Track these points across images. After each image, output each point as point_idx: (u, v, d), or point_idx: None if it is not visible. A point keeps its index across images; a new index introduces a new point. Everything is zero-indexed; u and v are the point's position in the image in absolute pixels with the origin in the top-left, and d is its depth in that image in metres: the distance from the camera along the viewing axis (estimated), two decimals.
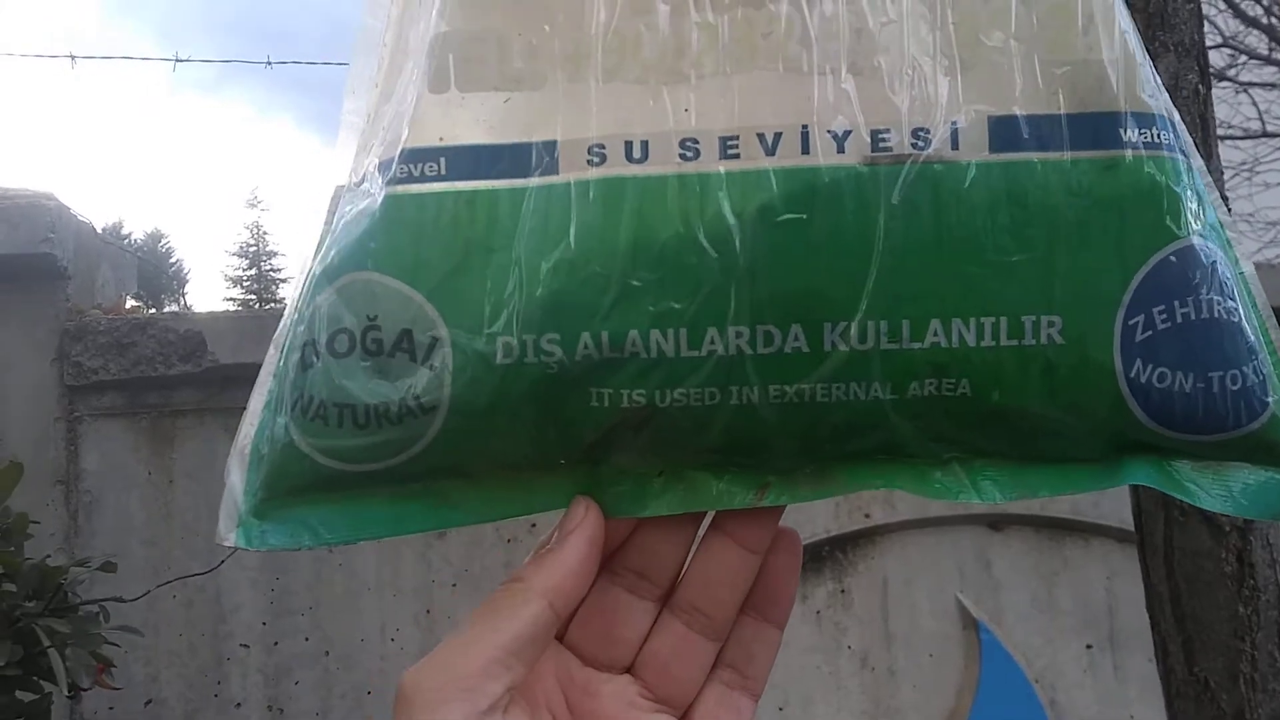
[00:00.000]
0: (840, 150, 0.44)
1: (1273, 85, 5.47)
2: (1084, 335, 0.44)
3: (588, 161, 0.44)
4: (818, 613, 2.69)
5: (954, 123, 0.44)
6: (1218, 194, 0.49)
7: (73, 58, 3.33)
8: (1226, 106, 5.41)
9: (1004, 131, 0.44)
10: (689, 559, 0.48)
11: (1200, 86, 1.31)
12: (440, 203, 0.45)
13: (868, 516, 2.65)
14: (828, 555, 2.70)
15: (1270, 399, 0.46)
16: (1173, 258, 0.44)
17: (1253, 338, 0.46)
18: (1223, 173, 1.32)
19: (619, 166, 0.44)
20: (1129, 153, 0.44)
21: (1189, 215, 0.45)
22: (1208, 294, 0.45)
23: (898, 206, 0.43)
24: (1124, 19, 0.46)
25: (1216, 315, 0.45)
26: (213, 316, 2.68)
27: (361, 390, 0.45)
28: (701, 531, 0.49)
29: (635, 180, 0.44)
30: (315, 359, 0.46)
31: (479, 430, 0.45)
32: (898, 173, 0.44)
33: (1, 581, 1.59)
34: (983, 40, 0.45)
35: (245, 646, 2.58)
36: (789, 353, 0.44)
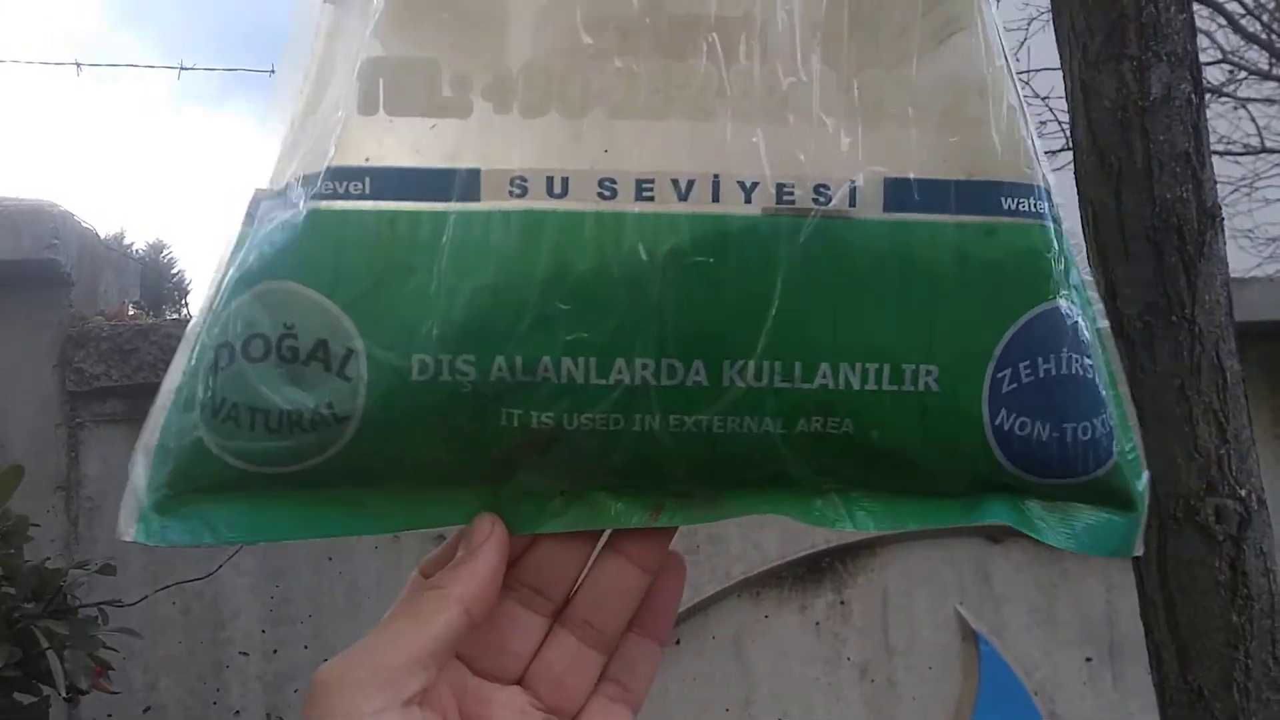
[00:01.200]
0: (748, 200, 0.47)
1: (1271, 101, 5.48)
2: (957, 384, 0.48)
3: (510, 192, 0.47)
4: (817, 624, 2.69)
5: (853, 181, 0.47)
6: (1081, 255, 0.52)
7: (78, 65, 3.34)
8: (1226, 122, 5.43)
9: (897, 192, 0.48)
10: (583, 575, 0.51)
11: (1193, 96, 1.32)
12: (363, 220, 0.47)
13: None
14: (827, 567, 2.70)
15: (1115, 450, 0.50)
16: (1040, 318, 0.48)
17: (1103, 392, 0.50)
18: (1216, 183, 1.33)
19: (540, 200, 0.47)
20: (1007, 220, 0.48)
21: (1057, 279, 0.49)
22: (1068, 352, 0.49)
23: (797, 256, 0.47)
24: (1012, 95, 0.49)
25: (1074, 372, 0.49)
26: None
27: (275, 395, 0.46)
28: (598, 551, 0.51)
29: (555, 214, 0.46)
30: (229, 361, 0.47)
31: (390, 442, 0.47)
32: (799, 225, 0.47)
33: (0, 584, 1.59)
34: (884, 105, 0.48)
35: (244, 654, 2.58)
36: (690, 386, 0.47)
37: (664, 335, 0.46)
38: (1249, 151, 5.48)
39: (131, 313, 2.89)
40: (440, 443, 0.47)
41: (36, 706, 1.60)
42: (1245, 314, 2.66)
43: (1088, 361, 0.50)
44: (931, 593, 2.71)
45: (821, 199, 0.47)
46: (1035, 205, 0.49)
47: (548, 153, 0.47)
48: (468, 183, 0.47)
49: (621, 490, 0.50)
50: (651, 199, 0.47)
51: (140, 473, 0.49)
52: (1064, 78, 1.42)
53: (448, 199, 0.47)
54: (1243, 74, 5.37)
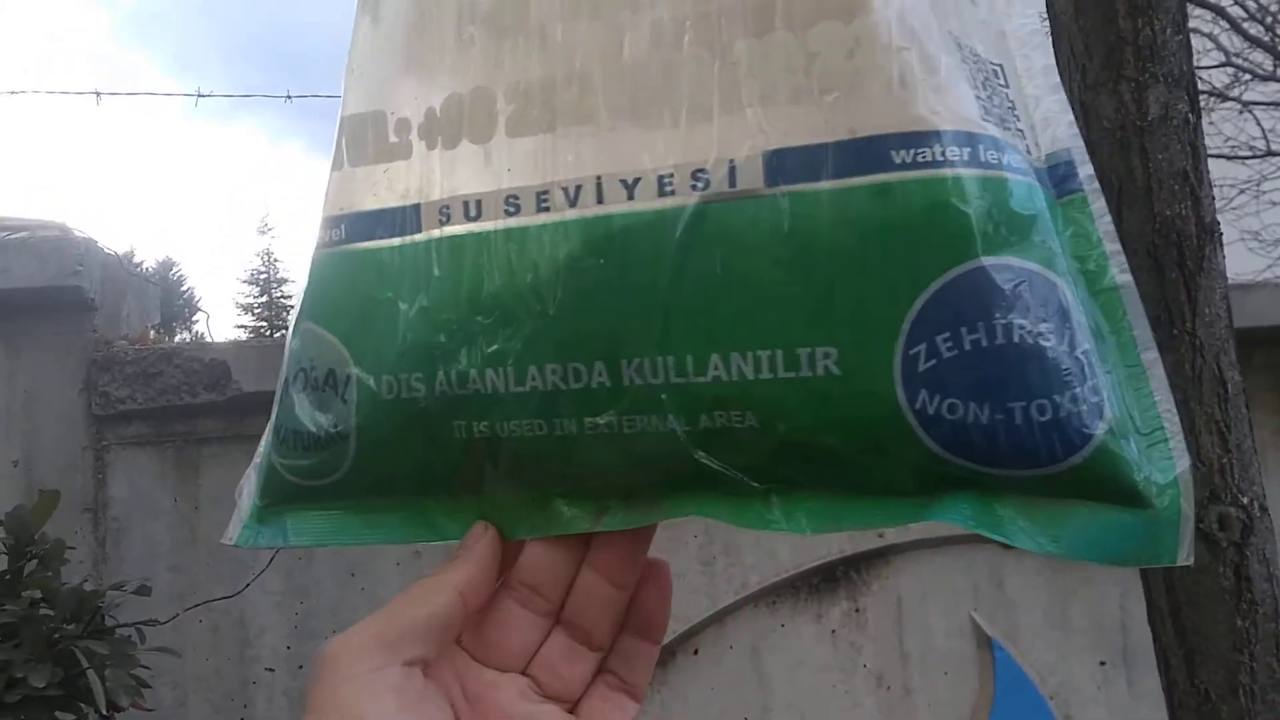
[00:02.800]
0: (630, 197, 0.47)
1: (1276, 104, 5.49)
2: (861, 366, 0.43)
3: (439, 221, 0.51)
4: (833, 632, 2.72)
5: (731, 161, 0.45)
6: (1095, 212, 0.48)
7: (98, 95, 3.39)
8: (1231, 125, 5.44)
9: (778, 165, 0.45)
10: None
11: (1190, 115, 1.36)
12: (343, 261, 0.54)
13: (881, 536, 2.68)
14: (842, 575, 2.73)
15: (1095, 430, 0.42)
16: (959, 281, 0.42)
17: (1075, 361, 0.43)
18: (1214, 200, 1.37)
19: (460, 224, 0.50)
20: (901, 174, 0.43)
21: (983, 235, 0.43)
22: (1005, 318, 0.42)
23: (680, 247, 0.45)
24: (899, 35, 0.44)
25: (1017, 340, 0.42)
26: (237, 345, 2.74)
27: (306, 418, 0.53)
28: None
29: (472, 236, 0.50)
30: (284, 393, 0.55)
31: (380, 455, 0.52)
32: (680, 214, 0.46)
33: (39, 605, 1.64)
34: (757, 75, 0.46)
35: (270, 670, 2.62)
36: (594, 388, 0.47)
37: (566, 340, 0.47)
38: (1255, 155, 5.49)
39: (152, 336, 2.94)
40: (415, 455, 0.52)
41: None
42: (1251, 320, 2.69)
43: (1043, 327, 0.43)
44: (946, 599, 2.73)
45: (700, 184, 0.45)
46: (940, 153, 0.43)
47: (465, 179, 0.51)
48: (412, 217, 0.52)
49: (574, 496, 0.51)
50: (548, 209, 0.48)
51: (249, 488, 0.57)
52: None
53: (401, 234, 0.52)
54: (1247, 77, 5.38)
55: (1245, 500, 1.30)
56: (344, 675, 0.46)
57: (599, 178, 0.47)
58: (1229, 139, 5.46)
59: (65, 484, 2.54)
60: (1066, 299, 0.44)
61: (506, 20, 0.50)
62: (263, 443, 0.57)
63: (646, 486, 0.49)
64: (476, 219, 0.50)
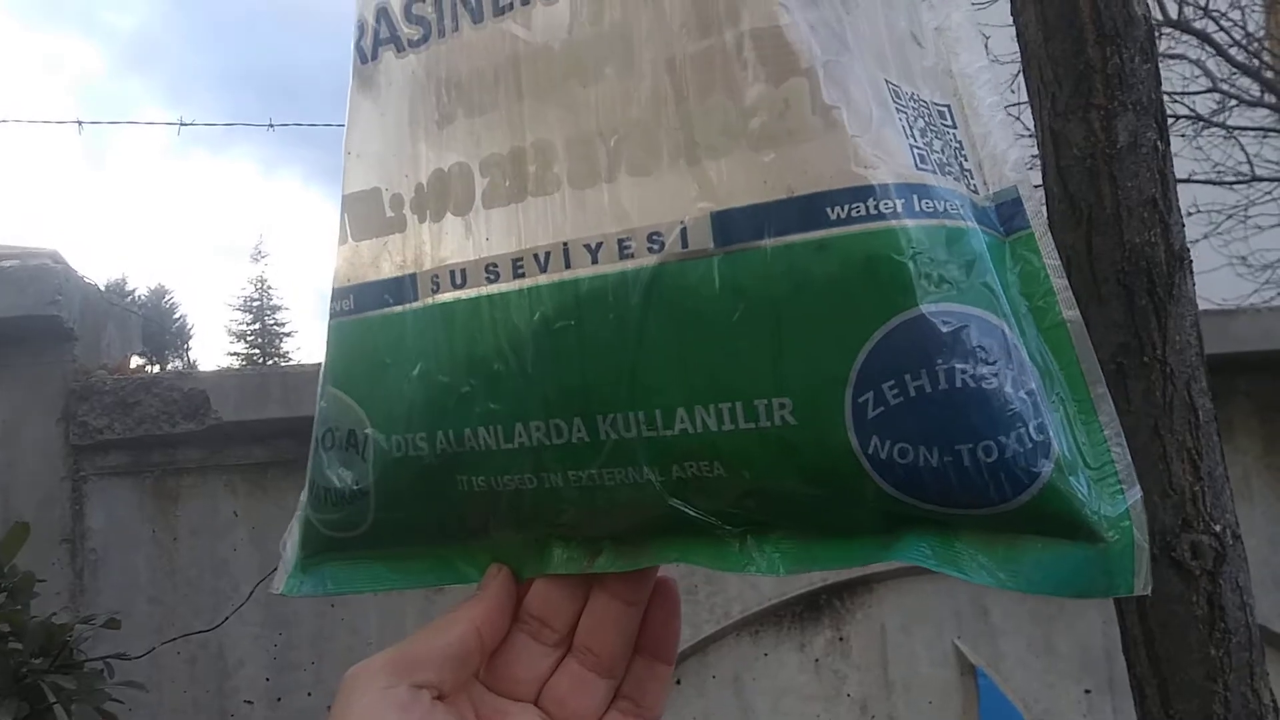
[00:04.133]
0: (594, 261, 0.50)
1: (1262, 129, 5.52)
2: (815, 415, 0.45)
3: (431, 289, 0.55)
4: (816, 661, 2.70)
5: (682, 223, 0.48)
6: (1043, 251, 0.49)
7: (80, 123, 3.40)
8: (1219, 151, 5.46)
9: (725, 225, 0.47)
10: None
11: (1159, 143, 1.36)
12: (354, 330, 0.58)
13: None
14: (825, 603, 2.71)
15: (1042, 468, 0.44)
16: (900, 330, 0.44)
17: (1021, 402, 0.44)
18: (1183, 225, 1.36)
19: (448, 292, 0.54)
20: (838, 230, 0.45)
21: (921, 283, 0.44)
22: (946, 363, 0.44)
23: (640, 306, 0.48)
24: (832, 93, 0.46)
25: (960, 385, 0.44)
26: (217, 375, 2.73)
27: (335, 476, 0.57)
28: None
29: (459, 302, 0.53)
30: (315, 451, 0.59)
31: (396, 508, 0.56)
32: (639, 275, 0.48)
33: (7, 639, 1.62)
34: (701, 139, 0.48)
35: (249, 703, 2.59)
36: (575, 443, 0.50)
37: (547, 399, 0.50)
38: (1241, 180, 5.51)
39: (135, 365, 2.93)
40: (425, 507, 0.56)
41: None
42: (1234, 345, 2.69)
43: (985, 370, 0.44)
44: (929, 627, 2.72)
45: (656, 246, 0.48)
46: (876, 207, 0.45)
47: (450, 249, 0.54)
48: (410, 286, 0.55)
49: (568, 540, 0.54)
50: (523, 275, 0.52)
51: (292, 540, 0.61)
52: (1035, 126, 1.46)
53: (402, 302, 0.56)
54: (1233, 102, 5.40)
55: (1218, 528, 1.29)
56: (359, 691, 0.50)
57: (565, 243, 0.50)
58: (1216, 165, 5.48)
59: (43, 514, 2.53)
60: (1010, 340, 0.45)
61: (477, 99, 0.54)
62: (302, 497, 0.61)
63: (633, 532, 0.52)
64: (462, 286, 0.53)
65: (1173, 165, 1.38)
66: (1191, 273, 1.36)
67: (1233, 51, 5.25)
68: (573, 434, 0.50)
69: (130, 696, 1.82)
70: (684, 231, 0.48)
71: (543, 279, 0.51)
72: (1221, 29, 5.17)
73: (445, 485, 0.54)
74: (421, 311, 0.55)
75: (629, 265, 0.49)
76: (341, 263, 0.59)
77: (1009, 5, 1.51)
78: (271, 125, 3.58)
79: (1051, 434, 0.45)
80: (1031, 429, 0.44)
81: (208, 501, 2.65)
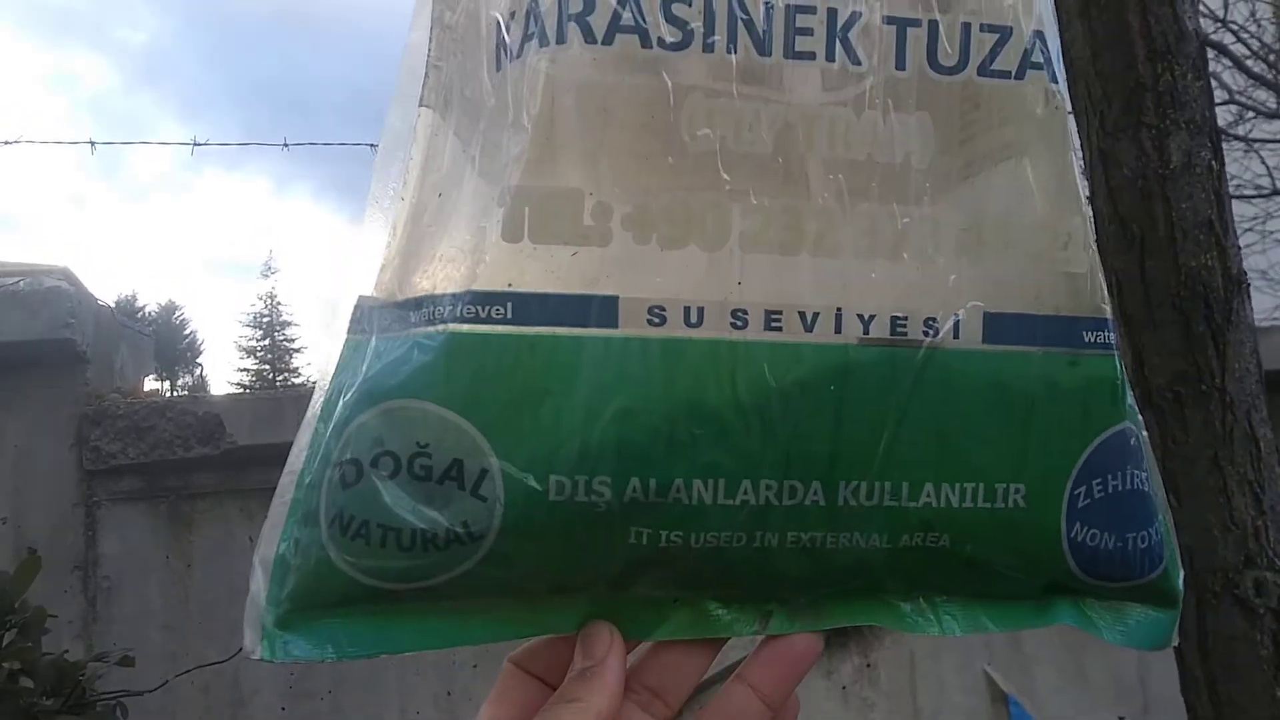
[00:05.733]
0: (866, 332, 0.50)
1: None
2: (1041, 501, 0.51)
3: (648, 321, 0.48)
4: (844, 688, 2.64)
5: (957, 315, 0.51)
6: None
7: (93, 144, 3.37)
8: (1237, 164, 5.41)
9: (995, 326, 0.51)
10: (710, 698, 0.52)
11: (1213, 163, 1.31)
12: (504, 344, 0.48)
13: None
14: (853, 630, 2.66)
15: (1165, 554, 0.54)
16: (1111, 439, 0.52)
17: (1155, 501, 0.54)
18: (1239, 247, 1.32)
19: (678, 329, 0.49)
20: (1087, 352, 0.52)
21: (1123, 403, 0.53)
22: (1130, 468, 0.53)
23: (908, 384, 0.50)
24: (1090, 234, 0.53)
25: (1135, 486, 0.53)
26: (231, 398, 2.69)
27: (408, 514, 0.47)
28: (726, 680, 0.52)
29: (692, 343, 0.49)
30: (357, 478, 0.47)
31: (522, 557, 0.48)
32: (912, 355, 0.50)
33: (19, 677, 1.57)
34: (984, 245, 0.52)
35: None
36: (808, 505, 0.49)
37: (788, 459, 0.49)
38: (1260, 194, 5.47)
39: (149, 387, 2.89)
40: (568, 557, 0.49)
41: None
42: (1265, 363, 2.63)
43: (1144, 474, 0.53)
44: (959, 654, 2.67)
45: (930, 332, 0.50)
46: (1108, 337, 0.52)
47: (684, 283, 0.49)
48: (605, 309, 0.48)
49: (732, 600, 0.52)
50: (780, 329, 0.49)
51: (260, 586, 0.49)
52: (1082, 145, 1.42)
53: (585, 324, 0.48)
54: (1251, 115, 5.36)
55: None
56: None
57: (839, 309, 0.50)
58: (1234, 178, 5.43)
59: (55, 541, 2.49)
60: (1146, 450, 0.55)
61: (746, 139, 0.51)
62: (274, 532, 0.49)
63: (806, 595, 0.52)
64: (697, 326, 0.49)
65: (1228, 186, 1.33)
66: (1249, 297, 1.31)
67: (1250, 63, 5.20)
68: (807, 496, 0.49)
69: None
70: (958, 323, 0.51)
71: (807, 338, 0.49)
72: (1240, 40, 5.12)
73: (614, 535, 0.48)
74: (626, 342, 0.48)
75: (900, 343, 0.50)
76: (503, 261, 0.49)
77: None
78: (286, 145, 3.53)
79: (1164, 527, 0.55)
80: (1159, 524, 0.54)
81: (222, 526, 2.61)
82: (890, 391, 0.50)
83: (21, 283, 2.57)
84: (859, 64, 0.52)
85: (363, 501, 0.47)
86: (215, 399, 2.65)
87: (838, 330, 0.50)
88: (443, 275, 0.50)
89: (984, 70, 0.52)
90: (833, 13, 0.52)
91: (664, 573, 0.50)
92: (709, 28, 0.51)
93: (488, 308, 0.48)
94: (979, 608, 0.54)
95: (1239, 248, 1.32)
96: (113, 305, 2.98)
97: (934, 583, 0.53)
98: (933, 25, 0.52)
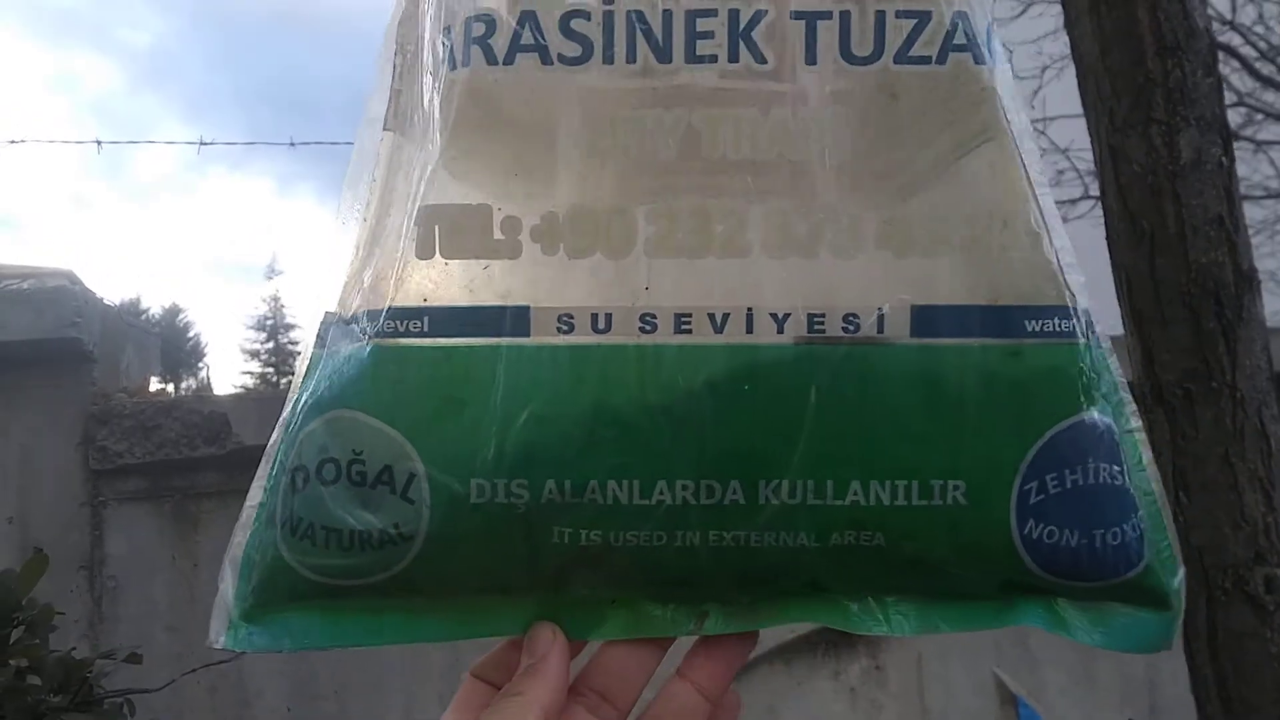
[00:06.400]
0: (780, 331, 0.50)
1: None
2: (985, 498, 0.50)
3: (558, 329, 0.50)
4: (852, 690, 2.64)
5: (880, 309, 0.50)
6: (1115, 359, 0.53)
7: (99, 143, 3.37)
8: (1245, 165, 5.40)
9: (924, 319, 0.50)
10: (654, 696, 0.53)
11: (1224, 159, 1.30)
12: (421, 356, 0.51)
13: None
14: None
15: (1147, 552, 0.52)
16: (1067, 431, 0.50)
17: (1133, 496, 0.52)
18: (1250, 244, 1.31)
19: (585, 335, 0.50)
20: (1032, 341, 0.50)
21: (1084, 392, 0.51)
22: (1095, 462, 0.50)
23: (827, 382, 0.49)
24: (1034, 219, 0.51)
25: (1101, 481, 0.51)
26: (236, 398, 2.69)
27: (347, 516, 0.50)
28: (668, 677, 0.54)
29: (599, 348, 0.50)
30: (305, 483, 0.51)
31: (451, 558, 0.51)
32: (830, 353, 0.49)
33: (26, 675, 1.57)
34: (910, 236, 0.50)
35: None
36: (728, 504, 0.49)
37: (702, 458, 0.49)
38: (1270, 195, 5.46)
39: (155, 387, 2.89)
40: (496, 558, 0.51)
41: None
42: (1276, 364, 2.63)
43: (1115, 469, 0.51)
44: (968, 656, 2.66)
45: (851, 328, 0.50)
46: (1061, 325, 0.50)
47: (592, 291, 0.50)
48: (518, 319, 0.50)
49: (669, 599, 0.52)
50: (689, 332, 0.50)
51: (229, 583, 0.53)
52: (1091, 142, 1.41)
53: (499, 335, 0.50)
54: (1260, 116, 5.35)
55: None
56: None
57: (750, 309, 0.50)
58: (1243, 179, 5.41)
59: (61, 541, 2.49)
60: (1120, 443, 0.52)
61: (649, 145, 0.52)
62: (244, 532, 0.53)
63: (744, 594, 0.52)
64: (605, 331, 0.50)
65: (1238, 182, 1.32)
66: (1260, 293, 1.30)
67: (1259, 65, 5.19)
68: (726, 495, 0.49)
69: None
70: (881, 317, 0.50)
71: (718, 339, 0.49)
72: (1249, 43, 5.11)
73: (537, 535, 0.50)
74: (538, 350, 0.50)
75: (818, 341, 0.50)
76: (417, 277, 0.52)
77: (1061, 18, 1.46)
78: (293, 143, 3.54)
79: (1147, 523, 0.52)
80: (1139, 518, 0.52)
81: (228, 527, 2.54)
82: (806, 389, 0.49)
83: (27, 282, 2.58)
84: (764, 63, 0.52)
85: (309, 504, 0.51)
86: (221, 398, 2.66)
87: (749, 330, 0.50)
88: (374, 292, 0.52)
89: (901, 58, 0.51)
90: (734, 14, 0.52)
91: (594, 573, 0.51)
92: (608, 40, 0.52)
93: (406, 322, 0.51)
94: (932, 608, 0.53)
95: (1250, 243, 1.31)
96: (118, 306, 2.98)
97: (878, 582, 0.52)
98: (844, 16, 0.52)
